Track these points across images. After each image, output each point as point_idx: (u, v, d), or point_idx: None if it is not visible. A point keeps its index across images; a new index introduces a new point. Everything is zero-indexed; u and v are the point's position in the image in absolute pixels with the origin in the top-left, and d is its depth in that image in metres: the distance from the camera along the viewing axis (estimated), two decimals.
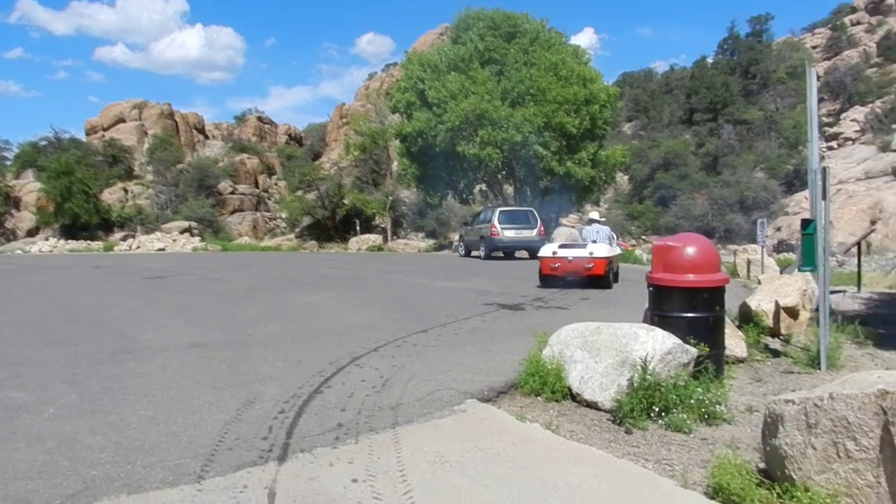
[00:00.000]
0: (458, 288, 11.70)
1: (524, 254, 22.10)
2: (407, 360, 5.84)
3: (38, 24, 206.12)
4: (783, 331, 6.76)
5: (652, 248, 5.28)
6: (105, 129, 56.12)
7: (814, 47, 69.03)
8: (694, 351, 4.69)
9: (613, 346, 4.57)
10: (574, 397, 4.70)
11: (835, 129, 50.61)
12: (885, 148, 41.17)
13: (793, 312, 6.81)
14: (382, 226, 41.31)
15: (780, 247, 37.62)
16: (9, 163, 52.31)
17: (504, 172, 31.14)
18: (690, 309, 5.09)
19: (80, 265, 20.37)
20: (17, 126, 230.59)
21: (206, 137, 64.87)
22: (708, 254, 5.15)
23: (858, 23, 69.48)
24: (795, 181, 45.92)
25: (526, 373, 4.99)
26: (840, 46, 64.95)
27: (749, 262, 12.93)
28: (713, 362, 4.89)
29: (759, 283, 11.45)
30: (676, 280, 5.07)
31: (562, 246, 11.15)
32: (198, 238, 38.69)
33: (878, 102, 48.91)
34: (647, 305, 6.16)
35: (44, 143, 51.30)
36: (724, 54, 69.21)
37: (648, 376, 4.29)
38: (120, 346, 6.72)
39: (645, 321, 6.07)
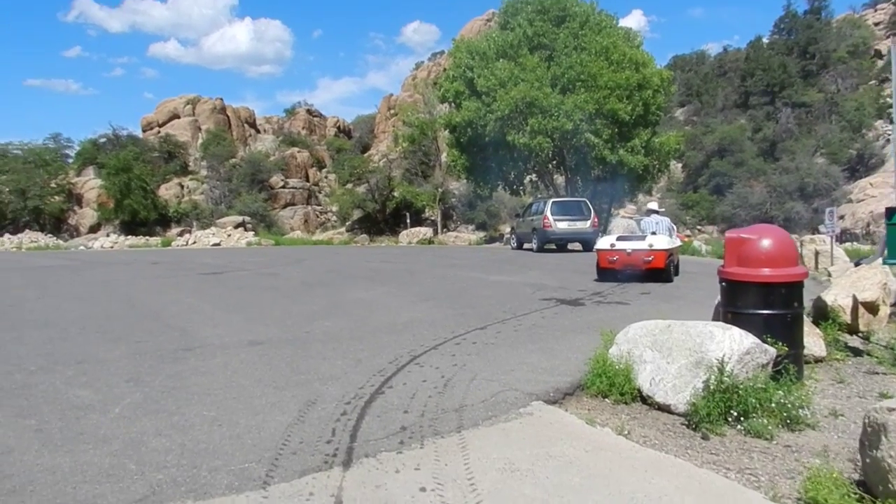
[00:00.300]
0: (514, 282, 11.53)
1: (577, 246, 21.76)
2: (467, 358, 5.72)
3: (95, 21, 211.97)
4: (862, 327, 6.39)
5: (725, 241, 5.02)
6: (160, 125, 57.64)
7: (876, 24, 66.00)
8: (773, 351, 4.44)
9: (687, 346, 4.35)
10: (644, 399, 4.50)
11: None
12: None
13: (872, 308, 6.44)
14: (432, 218, 41.34)
15: (845, 236, 36.23)
16: (70, 160, 54.20)
17: (554, 162, 30.72)
18: (767, 305, 4.82)
19: (140, 261, 20.90)
20: (77, 124, 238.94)
21: (258, 131, 66.01)
22: (785, 246, 4.87)
23: None
24: (859, 167, 44.19)
25: (593, 373, 4.81)
26: None
27: (817, 254, 12.37)
28: (792, 362, 4.62)
29: (829, 275, 10.96)
30: (752, 275, 4.80)
31: (620, 238, 10.84)
32: (251, 233, 39.38)
33: None
34: (716, 301, 5.91)
35: (103, 140, 52.98)
36: (780, 34, 66.78)
37: (726, 378, 4.06)
38: (181, 343, 6.78)
39: (715, 318, 5.82)
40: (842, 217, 38.19)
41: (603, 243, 10.84)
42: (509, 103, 25.61)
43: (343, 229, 45.00)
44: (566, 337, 6.58)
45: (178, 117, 57.88)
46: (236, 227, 41.19)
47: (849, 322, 6.38)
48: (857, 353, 5.70)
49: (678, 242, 11.74)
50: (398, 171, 45.77)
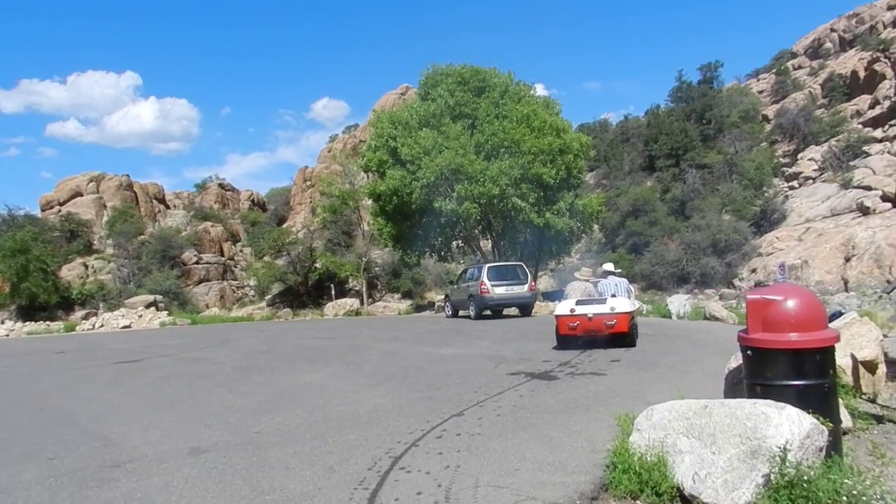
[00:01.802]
0: (469, 355, 10.81)
1: (513, 311, 21.35)
2: (458, 456, 4.93)
3: None
4: (864, 388, 6.04)
5: (747, 304, 4.53)
6: (61, 204, 54.53)
7: (760, 92, 71.26)
8: (826, 431, 3.91)
9: (735, 432, 3.76)
10: (686, 500, 3.85)
11: (794, 169, 51.57)
12: (846, 184, 41.90)
13: (871, 366, 6.12)
14: (357, 288, 40.27)
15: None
16: None
17: (481, 227, 30.60)
18: (801, 375, 4.32)
19: (43, 350, 18.89)
20: None
21: (167, 207, 63.58)
22: (814, 307, 4.43)
23: (800, 67, 72.13)
24: (763, 222, 46.30)
25: (617, 469, 4.15)
26: (786, 90, 67.08)
27: None
28: (831, 438, 4.12)
29: None
30: (781, 341, 4.31)
31: (579, 302, 10.38)
32: (164, 312, 37.07)
33: (832, 141, 50.15)
34: (727, 369, 5.42)
35: None
36: (677, 102, 70.88)
37: (790, 469, 3.48)
38: (106, 456, 5.67)
39: (730, 390, 5.31)
40: (754, 270, 39.71)
41: (562, 308, 10.33)
42: (435, 170, 25.41)
43: (263, 304, 43.17)
44: (558, 420, 5.90)
45: (81, 195, 54.98)
46: (147, 306, 38.71)
47: (851, 383, 6.01)
48: (879, 419, 5.29)
49: (637, 304, 11.42)
50: (320, 241, 44.68)
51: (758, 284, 37.62)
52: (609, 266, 11.98)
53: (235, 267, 56.44)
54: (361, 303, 36.19)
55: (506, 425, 5.80)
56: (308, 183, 69.11)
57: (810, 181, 47.48)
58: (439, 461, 4.84)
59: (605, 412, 6.02)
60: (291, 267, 41.84)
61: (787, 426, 3.61)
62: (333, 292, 38.22)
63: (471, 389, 7.60)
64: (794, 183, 49.37)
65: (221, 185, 71.48)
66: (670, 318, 15.88)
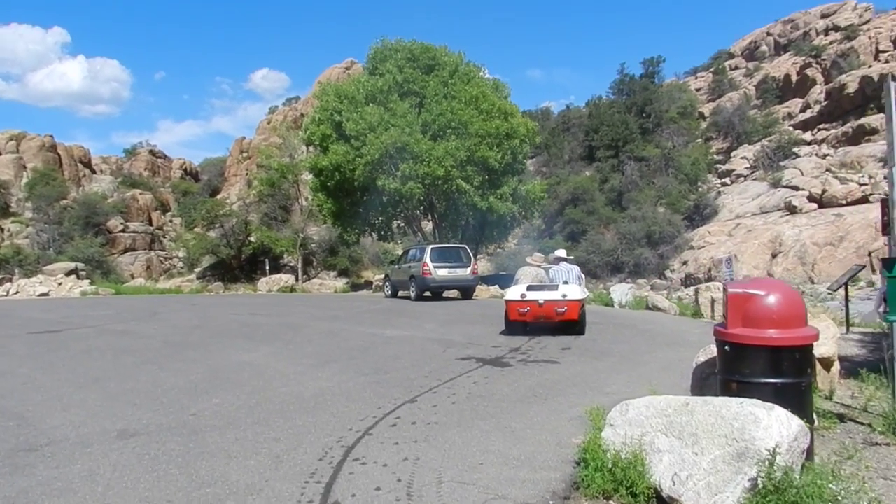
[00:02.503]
0: (415, 338, 10.48)
1: (453, 293, 21.13)
2: (416, 447, 4.61)
3: None
4: (820, 385, 6.01)
5: (728, 298, 4.34)
6: None
7: (697, 89, 73.03)
8: (809, 432, 3.76)
9: (720, 432, 3.55)
10: (664, 501, 3.64)
11: (727, 167, 53.10)
12: (776, 184, 43.36)
13: (827, 364, 6.10)
14: (292, 264, 39.30)
15: (688, 281, 38.50)
16: None
17: (422, 208, 30.20)
18: (777, 373, 4.17)
19: None
20: None
21: (93, 172, 60.61)
22: (794, 303, 4.28)
23: (737, 67, 74.27)
24: (695, 216, 47.51)
25: (589, 467, 3.91)
26: (722, 89, 68.96)
27: (713, 301, 12.48)
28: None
29: None
30: (762, 337, 4.15)
31: (531, 288, 10.17)
32: (86, 281, 35.27)
33: (764, 141, 51.81)
34: (695, 363, 5.26)
35: None
36: (618, 94, 71.97)
37: (778, 473, 3.29)
38: (21, 439, 5.10)
39: (697, 385, 5.16)
40: (685, 263, 40.77)
41: (513, 294, 10.10)
42: (380, 148, 24.84)
43: (193, 276, 41.64)
44: (517, 409, 5.64)
45: (0, 154, 51.73)
46: (68, 274, 36.76)
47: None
48: (840, 418, 5.24)
49: (587, 292, 11.31)
50: (255, 215, 43.33)
51: (688, 277, 38.64)
52: (561, 252, 11.83)
53: (164, 237, 54.40)
54: (296, 279, 35.35)
55: (463, 414, 5.51)
56: (245, 154, 67.12)
57: (742, 178, 48.96)
58: (396, 452, 4.51)
59: (564, 403, 5.81)
60: (224, 240, 40.43)
61: (777, 428, 3.43)
62: (268, 267, 37.17)
63: (421, 374, 7.28)
64: (727, 180, 50.85)
65: (152, 152, 68.64)
66: (612, 306, 15.95)
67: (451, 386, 6.62)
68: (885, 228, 5.04)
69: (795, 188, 39.62)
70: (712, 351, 5.20)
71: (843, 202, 35.55)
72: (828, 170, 40.88)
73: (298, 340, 10.45)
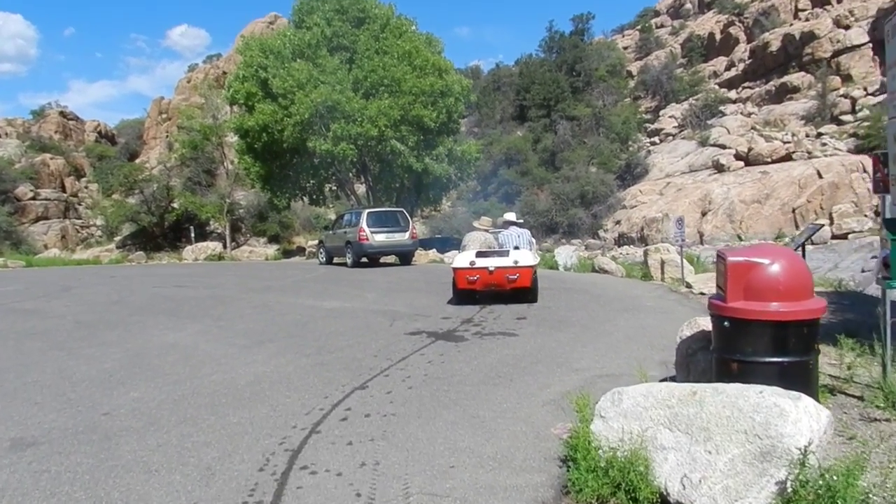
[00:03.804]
0: (357, 309, 9.75)
1: (390, 258, 20.44)
2: (374, 448, 3.97)
3: None
4: None
5: (727, 266, 3.82)
6: None
7: (625, 48, 73.40)
8: (833, 421, 3.31)
9: (739, 427, 3.04)
10: None
11: (655, 126, 53.72)
12: (703, 143, 44.09)
13: None
14: (219, 231, 37.63)
15: (622, 240, 38.96)
16: None
17: (356, 170, 29.11)
18: (784, 351, 3.72)
19: None
20: None
21: None
22: (800, 272, 3.81)
23: (662, 25, 74.88)
24: (626, 175, 48.03)
25: (580, 467, 3.35)
26: (649, 48, 69.46)
27: (663, 263, 12.21)
28: None
29: (689, 286, 10.69)
30: (768, 312, 3.66)
31: (479, 254, 9.57)
32: None
33: (691, 100, 52.56)
34: (679, 338, 4.77)
35: None
36: (548, 53, 71.59)
37: (811, 474, 2.81)
38: None
39: (683, 364, 4.68)
40: (618, 222, 41.22)
41: (461, 261, 9.47)
42: (309, 107, 23.58)
43: (112, 246, 39.41)
44: (481, 393, 5.06)
45: None
46: None
47: None
48: (829, 390, 4.87)
49: (538, 257, 10.80)
50: (178, 180, 41.12)
51: (621, 236, 39.05)
52: (511, 216, 11.23)
53: (80, 205, 51.22)
54: (224, 247, 33.82)
55: (423, 402, 4.89)
56: (164, 115, 63.76)
57: (671, 137, 49.61)
58: (351, 455, 3.85)
59: (533, 384, 5.26)
60: (145, 206, 38.25)
61: (807, 422, 2.94)
62: (193, 235, 35.40)
63: (369, 353, 6.61)
64: (656, 139, 51.47)
65: (63, 114, 64.22)
66: (557, 269, 15.61)
67: (403, 367, 5.99)
68: (878, 185, 4.64)
69: (722, 146, 40.34)
70: (698, 324, 4.74)
71: (769, 160, 36.39)
72: (753, 128, 41.76)
73: (229, 316, 9.58)
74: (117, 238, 40.80)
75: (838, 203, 32.15)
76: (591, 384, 5.17)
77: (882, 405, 4.36)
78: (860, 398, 4.67)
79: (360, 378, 5.61)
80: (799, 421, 2.92)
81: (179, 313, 10.06)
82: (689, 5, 74.27)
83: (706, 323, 4.71)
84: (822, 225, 12.58)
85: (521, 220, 12.13)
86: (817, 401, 3.82)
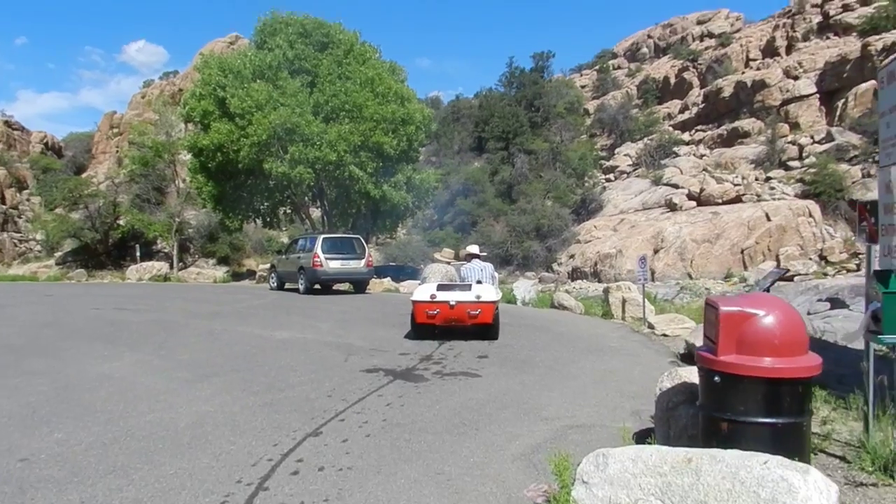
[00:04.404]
0: (310, 341, 9.26)
1: (344, 286, 19.92)
2: None
3: None
4: None
5: (720, 317, 3.56)
6: None
7: (583, 86, 74.95)
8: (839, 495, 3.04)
9: None
10: None
11: (611, 163, 54.65)
12: (657, 182, 44.92)
13: None
14: (167, 251, 36.42)
15: (575, 274, 39.13)
16: None
17: (312, 194, 28.56)
18: (778, 411, 3.46)
19: None
20: None
21: None
22: (796, 325, 3.57)
23: (620, 67, 76.80)
24: (582, 210, 48.56)
25: None
26: (606, 87, 71.07)
27: (625, 301, 12.06)
28: None
29: (651, 326, 10.52)
30: (763, 368, 3.41)
31: (441, 287, 9.21)
32: None
33: (646, 139, 53.71)
34: (659, 389, 4.50)
35: None
36: (508, 87, 72.62)
37: None
38: None
39: (663, 418, 4.40)
40: (572, 256, 41.44)
41: (421, 294, 9.09)
42: (267, 128, 23.07)
43: (52, 262, 37.73)
44: (446, 445, 4.67)
45: None
46: None
47: None
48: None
49: (500, 293, 10.50)
50: (126, 196, 39.78)
51: (575, 270, 39.22)
52: (474, 248, 10.93)
53: (20, 217, 49.12)
54: (171, 267, 32.71)
55: (382, 453, 4.47)
56: (115, 130, 62.08)
57: (625, 175, 50.46)
58: None
59: (500, 434, 4.90)
60: (89, 222, 36.79)
61: (817, 500, 2.65)
62: (139, 254, 34.17)
63: (323, 392, 6.16)
64: (611, 176, 52.28)
65: (8, 123, 61.88)
66: (515, 303, 15.36)
67: (360, 410, 5.56)
68: (864, 236, 4.48)
69: (675, 186, 41.11)
70: (679, 375, 4.47)
71: (720, 201, 37.18)
72: (705, 169, 42.76)
73: (172, 344, 8.98)
74: (58, 254, 39.11)
75: (785, 245, 32.95)
76: (563, 436, 4.84)
77: (870, 469, 4.14)
78: (842, 458, 4.45)
79: (313, 422, 5.17)
80: (809, 499, 2.64)
81: (118, 340, 9.40)
82: (645, 49, 76.41)
83: (687, 374, 4.45)
84: (787, 270, 12.63)
85: (485, 254, 11.85)
86: (809, 463, 3.58)
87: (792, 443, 3.44)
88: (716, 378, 3.57)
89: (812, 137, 40.09)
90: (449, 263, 10.69)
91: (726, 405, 3.54)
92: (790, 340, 3.46)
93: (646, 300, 11.62)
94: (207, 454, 4.45)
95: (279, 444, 4.65)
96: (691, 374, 4.41)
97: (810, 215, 33.88)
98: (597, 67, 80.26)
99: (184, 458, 4.38)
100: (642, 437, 4.44)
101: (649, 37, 76.79)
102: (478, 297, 8.87)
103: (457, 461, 4.31)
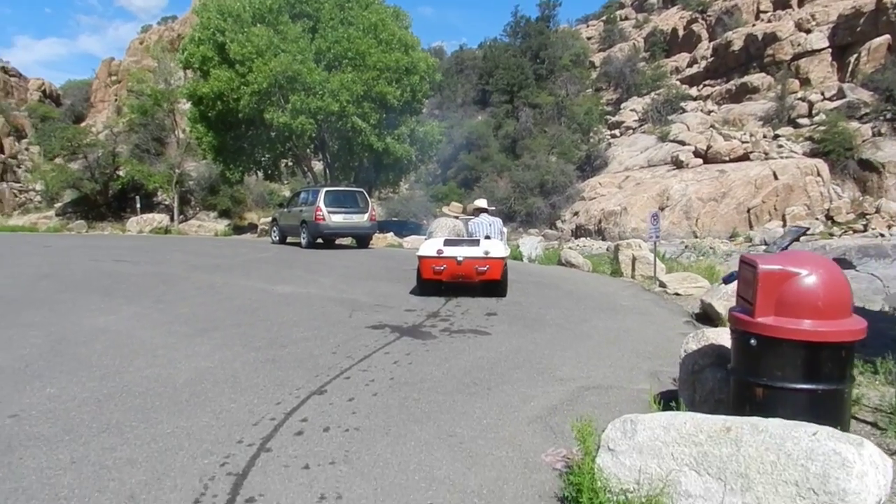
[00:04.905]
0: (313, 296, 9.02)
1: (346, 240, 19.66)
2: (335, 475, 3.33)
3: None
4: None
5: (759, 276, 3.29)
6: None
7: (589, 38, 73.32)
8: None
9: (788, 478, 2.51)
10: None
11: (616, 118, 53.74)
12: (664, 138, 44.19)
13: None
14: (167, 203, 36.08)
15: (579, 232, 38.85)
16: None
17: (314, 146, 28.08)
18: (817, 377, 3.21)
19: None
20: None
21: None
22: (841, 286, 3.30)
23: (627, 18, 75.06)
24: (587, 166, 48.01)
25: None
26: (613, 39, 69.52)
27: (635, 259, 11.78)
28: None
29: (663, 285, 10.28)
30: (804, 331, 3.15)
31: (448, 242, 8.92)
32: None
33: (653, 94, 52.74)
34: (683, 353, 4.25)
35: None
36: (513, 38, 71.03)
37: None
38: None
39: (688, 381, 4.16)
40: (576, 213, 41.11)
41: (428, 249, 8.80)
42: (268, 76, 22.47)
43: (52, 213, 37.41)
44: (457, 405, 4.45)
45: None
46: None
47: None
48: None
49: (509, 248, 10.22)
50: (125, 146, 39.23)
51: (579, 228, 38.91)
52: (482, 202, 10.60)
53: (19, 167, 48.62)
54: (172, 219, 32.42)
55: (390, 413, 4.26)
56: (114, 78, 61.05)
57: (631, 131, 49.66)
58: (307, 485, 3.21)
59: (514, 395, 4.68)
60: (88, 172, 36.33)
61: (874, 476, 2.42)
62: (139, 205, 33.82)
63: (327, 349, 5.94)
64: (617, 132, 51.49)
65: (5, 70, 60.83)
66: (521, 260, 15.09)
67: (366, 367, 5.34)
68: None
69: (682, 143, 40.45)
70: (706, 337, 4.22)
71: (727, 158, 36.64)
72: (712, 126, 42.01)
73: (171, 297, 8.75)
74: (57, 205, 38.77)
75: (792, 205, 32.60)
76: (579, 397, 4.62)
77: (883, 431, 3.93)
78: (874, 425, 4.24)
79: (317, 380, 4.95)
80: (865, 475, 2.40)
81: (115, 292, 9.17)
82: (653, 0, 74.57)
83: (714, 335, 4.21)
84: (807, 228, 12.35)
85: (493, 208, 11.51)
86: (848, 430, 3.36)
87: (832, 411, 3.20)
88: (752, 341, 3.31)
89: (823, 94, 39.28)
90: (457, 217, 10.33)
91: (762, 370, 3.29)
92: (834, 302, 3.20)
93: (657, 258, 11.35)
94: (207, 412, 4.24)
95: (282, 402, 4.44)
96: (718, 336, 4.17)
97: (818, 174, 33.38)
98: (603, 18, 78.42)
99: (182, 415, 4.17)
100: (665, 401, 4.21)
101: None
102: (486, 252, 8.59)
103: (469, 423, 4.10)
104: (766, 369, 3.27)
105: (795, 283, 3.20)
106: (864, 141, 33.93)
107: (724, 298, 7.08)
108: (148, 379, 4.98)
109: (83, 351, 5.82)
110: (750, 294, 3.37)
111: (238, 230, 31.09)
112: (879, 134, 33.80)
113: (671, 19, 64.32)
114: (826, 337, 3.14)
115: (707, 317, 7.52)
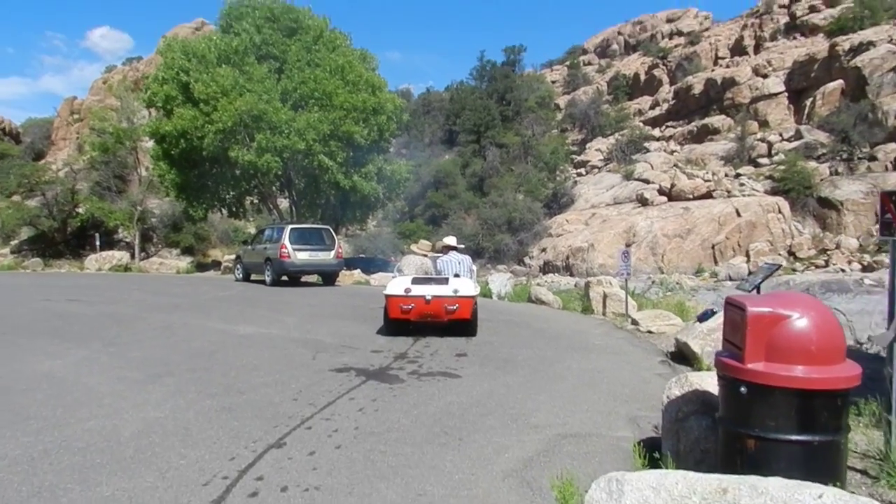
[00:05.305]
0: (276, 337, 8.64)
1: (312, 278, 19.27)
2: None
3: None
4: None
5: (748, 319, 3.10)
6: None
7: (553, 82, 74.88)
8: None
9: None
10: None
11: (582, 157, 54.54)
12: (628, 176, 44.88)
13: None
14: (128, 240, 35.20)
15: (547, 268, 38.92)
16: None
17: (280, 183, 27.76)
18: (811, 428, 3.01)
19: None
20: None
21: None
22: (833, 329, 3.13)
23: (590, 63, 76.88)
24: (553, 204, 48.44)
25: None
26: (577, 83, 71.03)
27: (605, 296, 11.63)
28: None
29: (635, 322, 10.12)
30: (798, 378, 2.96)
31: (416, 281, 8.66)
32: None
33: (617, 135, 53.71)
34: (666, 397, 4.03)
35: None
36: (479, 81, 72.26)
37: None
38: None
39: (672, 429, 3.93)
40: (544, 250, 41.22)
41: (395, 287, 8.51)
42: (233, 115, 22.21)
43: (6, 251, 36.26)
44: (427, 458, 4.15)
45: None
46: None
47: None
48: None
49: (479, 287, 9.98)
50: (85, 183, 38.38)
51: (546, 264, 38.97)
52: (451, 240, 10.38)
53: None
54: (132, 257, 31.57)
55: (354, 469, 3.93)
56: (76, 116, 60.18)
57: (596, 170, 50.35)
58: None
59: (487, 445, 4.39)
60: (46, 210, 35.37)
61: None
62: (98, 243, 32.93)
63: (288, 395, 5.59)
64: (582, 170, 52.17)
65: None
66: (491, 297, 14.88)
67: (330, 415, 5.01)
68: (886, 228, 4.06)
69: (647, 181, 41.09)
70: (689, 382, 4.00)
71: (690, 196, 37.24)
72: (675, 165, 42.81)
73: (124, 340, 8.29)
74: (13, 242, 37.63)
75: (755, 241, 33.12)
76: (556, 447, 4.35)
77: (875, 479, 3.74)
78: (864, 473, 4.04)
79: (276, 431, 4.60)
80: None
81: (65, 334, 8.67)
82: (615, 46, 76.57)
83: (698, 380, 4.00)
84: (780, 265, 12.31)
85: (463, 246, 11.30)
86: (845, 487, 3.15)
87: (828, 464, 3.00)
88: (742, 389, 3.11)
89: (781, 135, 40.39)
90: (426, 256, 10.08)
91: (753, 420, 3.08)
92: (828, 346, 3.02)
93: (628, 296, 11.23)
94: (152, 471, 3.86)
95: (236, 457, 4.08)
96: (703, 381, 3.96)
97: (780, 211, 34.05)
98: (567, 63, 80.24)
99: (124, 475, 3.79)
100: (648, 451, 3.97)
101: (619, 34, 76.92)
102: (455, 291, 8.34)
103: (440, 478, 3.79)
104: (758, 419, 3.06)
105: (786, 327, 3.02)
106: (822, 180, 34.85)
107: (699, 337, 6.93)
108: (90, 432, 4.58)
109: (21, 400, 5.38)
110: (738, 338, 3.18)
111: (201, 267, 30.40)
112: (837, 173, 34.74)
113: (633, 65, 66.00)
114: (821, 384, 2.96)
115: (682, 356, 7.35)
